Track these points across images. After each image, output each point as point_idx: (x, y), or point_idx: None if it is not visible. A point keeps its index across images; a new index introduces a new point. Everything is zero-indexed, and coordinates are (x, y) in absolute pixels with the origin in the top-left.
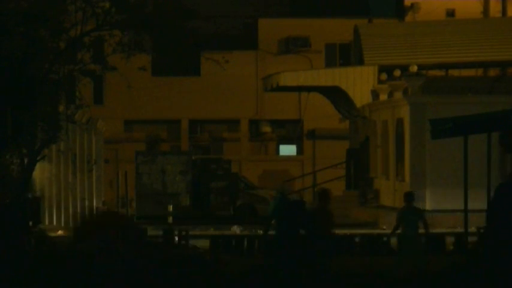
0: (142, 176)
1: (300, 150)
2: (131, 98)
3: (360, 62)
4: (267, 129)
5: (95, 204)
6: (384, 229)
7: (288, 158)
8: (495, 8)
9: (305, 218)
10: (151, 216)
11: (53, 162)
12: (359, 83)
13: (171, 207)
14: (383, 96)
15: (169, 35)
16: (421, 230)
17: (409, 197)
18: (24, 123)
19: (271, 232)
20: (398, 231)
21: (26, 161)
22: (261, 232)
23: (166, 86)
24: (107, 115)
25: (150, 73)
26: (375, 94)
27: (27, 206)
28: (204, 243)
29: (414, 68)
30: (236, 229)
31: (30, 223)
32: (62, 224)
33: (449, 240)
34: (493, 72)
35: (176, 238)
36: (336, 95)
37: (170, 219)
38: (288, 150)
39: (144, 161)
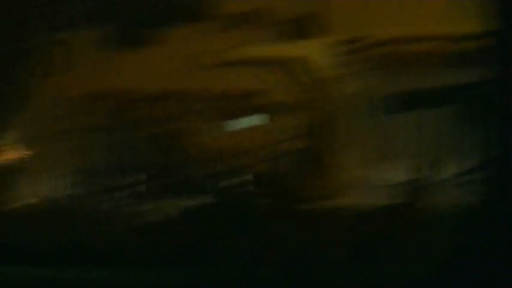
0: (106, 148)
1: (260, 124)
2: (94, 71)
3: (320, 34)
4: (222, 102)
5: (62, 175)
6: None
7: (246, 132)
8: None
9: None
10: (116, 189)
11: (21, 132)
12: (318, 55)
13: (130, 180)
14: (342, 70)
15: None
16: None
17: None
18: None
19: None
20: None
21: None
22: None
23: (120, 60)
24: (73, 86)
25: (103, 47)
26: (334, 67)
27: None
28: (161, 216)
29: (373, 41)
30: (194, 201)
31: None
32: (30, 194)
33: None
34: (449, 46)
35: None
36: (296, 68)
37: (130, 192)
38: (247, 123)
39: (108, 133)
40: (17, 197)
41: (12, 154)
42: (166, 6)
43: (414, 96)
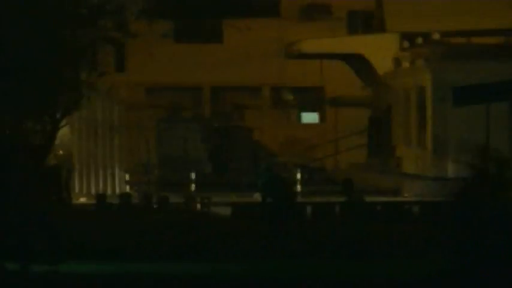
0: (164, 143)
1: (322, 118)
2: (153, 65)
3: (382, 29)
4: (289, 96)
5: (117, 171)
6: (406, 197)
7: (309, 126)
8: None
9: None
10: (173, 183)
11: (75, 129)
12: (381, 50)
13: (193, 175)
14: (405, 64)
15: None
16: None
17: None
18: (46, 90)
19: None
20: None
21: (48, 128)
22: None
23: (188, 53)
24: (129, 82)
25: (173, 40)
26: (397, 62)
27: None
28: (225, 211)
29: (436, 35)
30: (258, 196)
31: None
32: (84, 192)
33: None
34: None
35: (198, 205)
36: (358, 63)
37: (192, 187)
38: (309, 117)
39: (166, 128)
40: (77, 193)
41: (75, 150)
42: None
43: (481, 88)
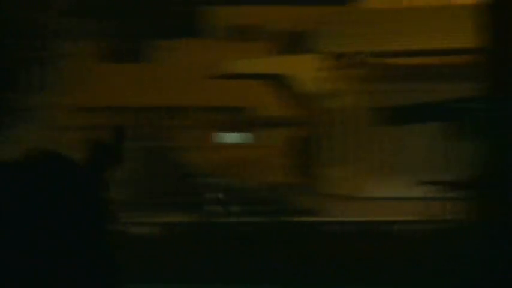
0: None
1: (246, 138)
2: (80, 85)
3: (308, 50)
4: (212, 116)
5: None
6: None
7: (233, 146)
8: None
9: None
10: None
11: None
12: (305, 71)
13: (115, 195)
14: (329, 85)
15: (116, 19)
16: None
17: None
18: None
19: None
20: None
21: None
22: None
23: (111, 73)
24: (52, 102)
25: (97, 60)
26: (325, 82)
27: None
28: (147, 231)
29: (364, 56)
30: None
31: None
32: None
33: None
34: (442, 60)
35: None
36: (284, 83)
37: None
38: (233, 138)
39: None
40: None
41: None
42: (163, 20)
43: (404, 110)
